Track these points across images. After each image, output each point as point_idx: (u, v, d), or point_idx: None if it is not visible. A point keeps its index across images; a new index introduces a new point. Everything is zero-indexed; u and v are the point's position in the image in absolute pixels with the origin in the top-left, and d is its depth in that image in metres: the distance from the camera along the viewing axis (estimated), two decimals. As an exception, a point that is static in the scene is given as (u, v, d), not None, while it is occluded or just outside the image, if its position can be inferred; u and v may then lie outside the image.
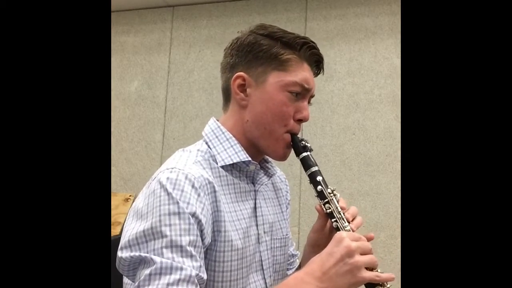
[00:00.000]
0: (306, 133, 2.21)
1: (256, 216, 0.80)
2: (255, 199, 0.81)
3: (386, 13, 2.19)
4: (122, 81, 2.57)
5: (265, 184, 0.86)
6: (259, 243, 0.79)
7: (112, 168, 2.47)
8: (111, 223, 2.26)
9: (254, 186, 0.83)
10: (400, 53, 2.13)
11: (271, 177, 0.88)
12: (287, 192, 0.97)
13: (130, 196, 2.41)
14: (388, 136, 2.10)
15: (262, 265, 0.79)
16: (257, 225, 0.80)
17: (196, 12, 2.50)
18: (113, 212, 2.32)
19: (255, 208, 0.80)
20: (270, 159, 0.88)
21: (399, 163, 2.05)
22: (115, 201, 2.37)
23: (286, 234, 0.89)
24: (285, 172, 0.82)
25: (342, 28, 2.25)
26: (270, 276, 0.81)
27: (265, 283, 0.80)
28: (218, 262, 0.71)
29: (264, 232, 0.81)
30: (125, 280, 0.72)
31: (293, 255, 0.98)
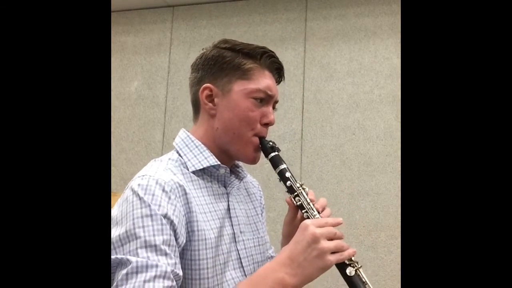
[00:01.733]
0: (306, 133, 2.21)
1: (230, 217, 0.84)
2: (228, 201, 0.85)
3: (386, 13, 2.19)
4: (122, 81, 2.57)
5: (238, 189, 0.91)
6: (235, 242, 0.83)
7: (112, 168, 2.46)
8: (111, 223, 2.26)
9: (226, 189, 0.86)
10: (400, 53, 2.13)
11: (241, 179, 0.93)
12: (261, 197, 1.01)
13: (130, 196, 2.40)
14: (388, 136, 2.10)
15: (241, 263, 0.83)
16: (232, 225, 0.83)
17: (196, 12, 2.50)
18: (113, 212, 2.32)
19: (228, 209, 0.84)
20: (241, 163, 0.93)
21: (399, 163, 2.05)
22: (115, 201, 2.37)
23: (263, 235, 0.94)
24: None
25: (342, 28, 2.25)
26: (251, 274, 0.84)
27: None
28: (194, 260, 0.74)
29: (241, 232, 0.85)
30: None
31: (271, 257, 1.01)
